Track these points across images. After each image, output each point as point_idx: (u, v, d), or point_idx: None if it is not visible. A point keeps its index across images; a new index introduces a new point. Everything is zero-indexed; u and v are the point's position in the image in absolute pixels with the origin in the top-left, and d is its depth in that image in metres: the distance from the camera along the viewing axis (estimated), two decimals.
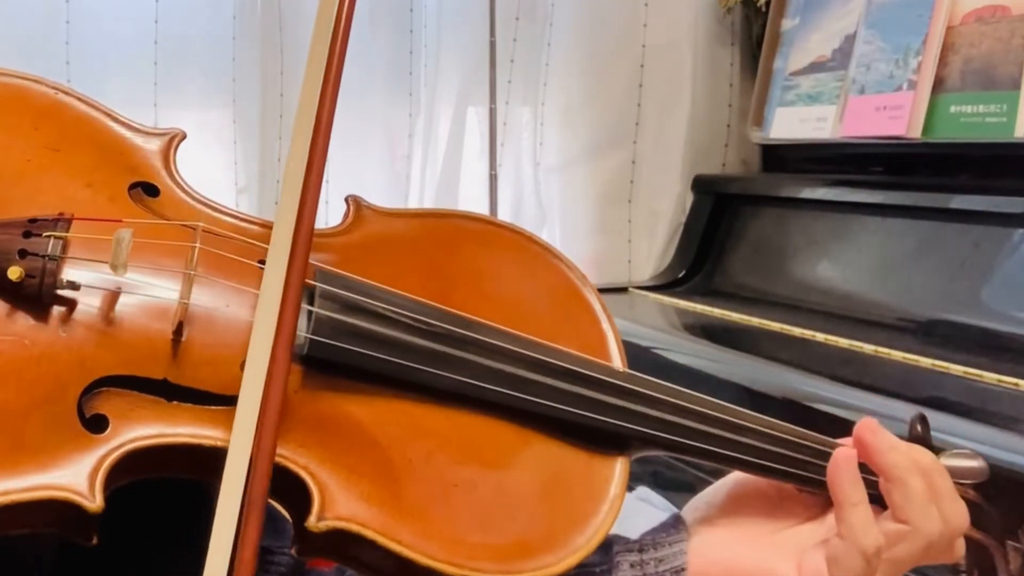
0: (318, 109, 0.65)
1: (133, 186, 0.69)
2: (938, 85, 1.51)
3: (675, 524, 0.71)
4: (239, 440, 0.56)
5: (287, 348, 0.59)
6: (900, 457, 0.69)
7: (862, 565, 0.66)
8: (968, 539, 0.72)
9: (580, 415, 0.67)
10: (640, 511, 1.45)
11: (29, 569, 0.68)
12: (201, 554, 0.54)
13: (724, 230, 1.97)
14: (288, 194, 0.63)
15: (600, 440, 0.68)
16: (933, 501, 0.68)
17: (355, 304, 0.65)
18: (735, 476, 0.75)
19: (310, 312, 0.64)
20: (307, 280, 0.65)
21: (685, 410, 0.70)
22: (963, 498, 0.71)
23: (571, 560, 0.63)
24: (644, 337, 1.64)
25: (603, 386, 0.69)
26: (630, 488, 0.68)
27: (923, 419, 0.74)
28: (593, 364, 0.70)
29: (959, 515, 0.70)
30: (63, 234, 0.61)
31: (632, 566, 0.69)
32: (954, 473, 0.71)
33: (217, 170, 1.91)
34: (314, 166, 0.64)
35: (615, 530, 0.68)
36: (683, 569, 0.68)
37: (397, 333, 0.65)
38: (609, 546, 0.71)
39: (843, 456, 0.69)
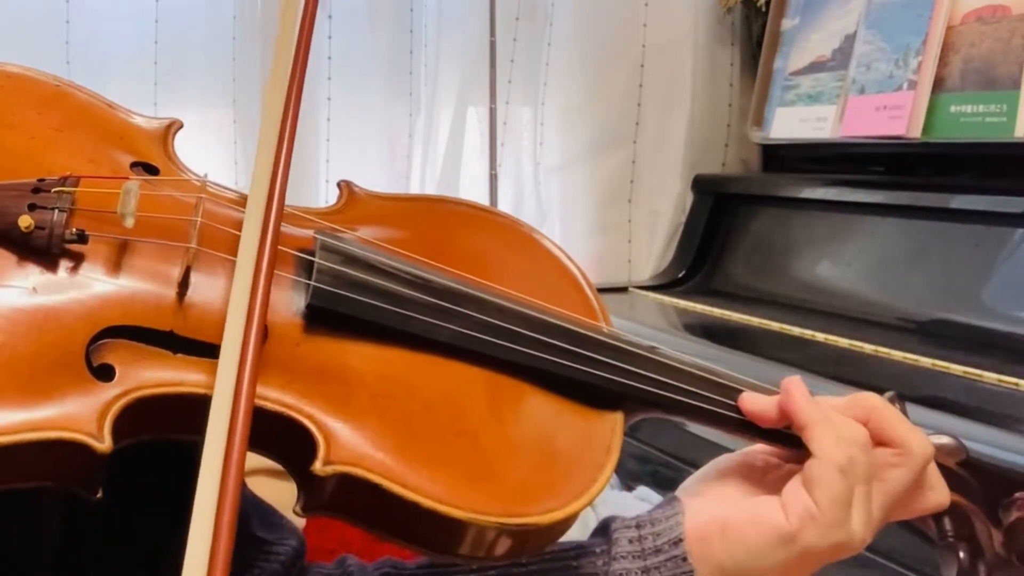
0: (290, 76, 0.67)
1: (134, 165, 0.70)
2: (938, 85, 1.51)
3: (670, 502, 0.73)
4: (222, 387, 0.57)
5: (266, 289, 0.60)
6: (866, 397, 0.73)
7: (839, 479, 0.67)
8: (954, 504, 0.74)
9: (572, 368, 0.69)
10: (640, 511, 1.45)
11: (31, 551, 0.68)
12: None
13: (724, 230, 1.98)
14: (264, 145, 0.65)
15: (594, 396, 0.70)
16: (910, 426, 0.71)
17: (355, 256, 0.67)
18: (723, 457, 0.76)
19: (312, 263, 0.65)
20: (308, 238, 0.67)
21: (669, 367, 0.72)
22: (948, 471, 0.74)
23: (574, 506, 0.64)
24: (644, 337, 1.63)
25: (592, 342, 0.70)
26: (630, 488, 0.68)
27: (899, 397, 0.77)
28: (582, 322, 0.72)
29: (926, 437, 0.72)
30: (72, 189, 0.62)
31: (630, 541, 0.70)
32: (938, 451, 0.74)
33: (217, 170, 1.91)
34: (288, 118, 0.66)
35: None
36: (680, 540, 0.69)
37: (397, 286, 0.67)
38: (607, 527, 0.72)
39: (792, 381, 0.71)
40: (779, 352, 1.48)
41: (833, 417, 0.70)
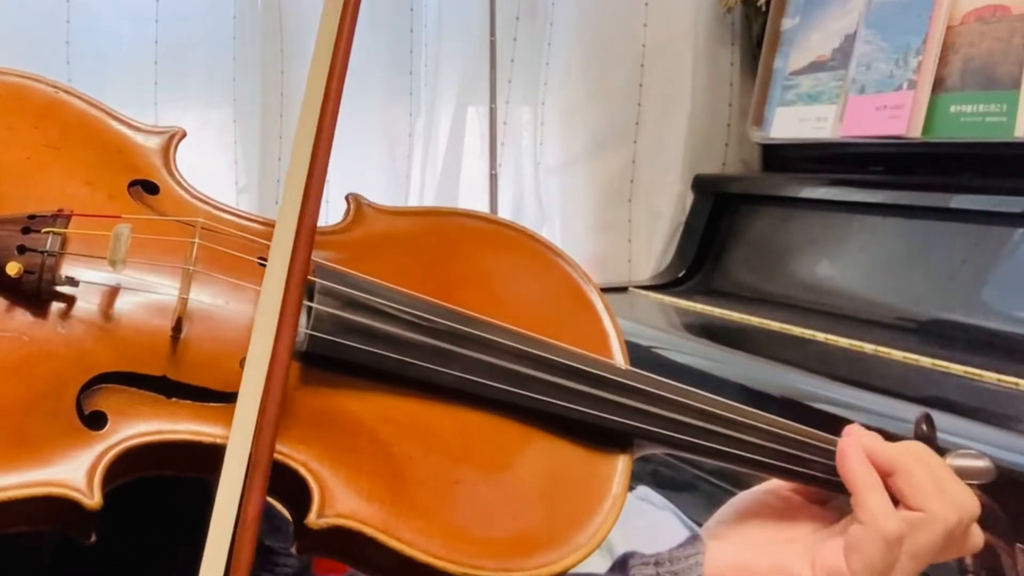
0: (321, 108, 0.65)
1: (132, 184, 0.69)
2: (938, 85, 1.51)
3: (691, 542, 0.71)
4: (238, 437, 0.56)
5: (288, 347, 0.59)
6: (896, 448, 0.69)
7: (883, 551, 0.65)
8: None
9: (581, 412, 0.67)
10: (640, 511, 1.45)
11: (29, 565, 0.67)
12: (200, 552, 0.54)
13: (724, 230, 1.97)
14: (291, 192, 0.63)
15: (602, 437, 0.68)
16: (938, 484, 0.68)
17: (355, 300, 0.65)
18: (742, 495, 0.74)
19: (309, 308, 0.64)
20: (308, 276, 0.64)
21: (688, 407, 0.69)
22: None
23: (573, 558, 0.63)
24: (644, 337, 1.64)
25: (605, 383, 0.68)
26: (630, 487, 0.67)
27: (928, 419, 0.74)
28: (595, 361, 0.70)
29: (968, 496, 0.69)
30: (62, 230, 0.61)
31: None
32: (961, 473, 0.71)
33: (218, 170, 1.91)
34: (317, 164, 0.64)
35: (617, 531, 0.68)
36: None
37: (397, 329, 0.65)
38: (625, 562, 0.71)
39: (849, 442, 0.69)
40: (779, 352, 1.48)
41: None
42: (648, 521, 1.41)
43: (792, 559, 0.67)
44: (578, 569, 0.65)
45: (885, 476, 0.68)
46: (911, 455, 0.69)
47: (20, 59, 0.73)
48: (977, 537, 0.70)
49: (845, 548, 0.66)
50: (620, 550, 0.74)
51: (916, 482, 0.67)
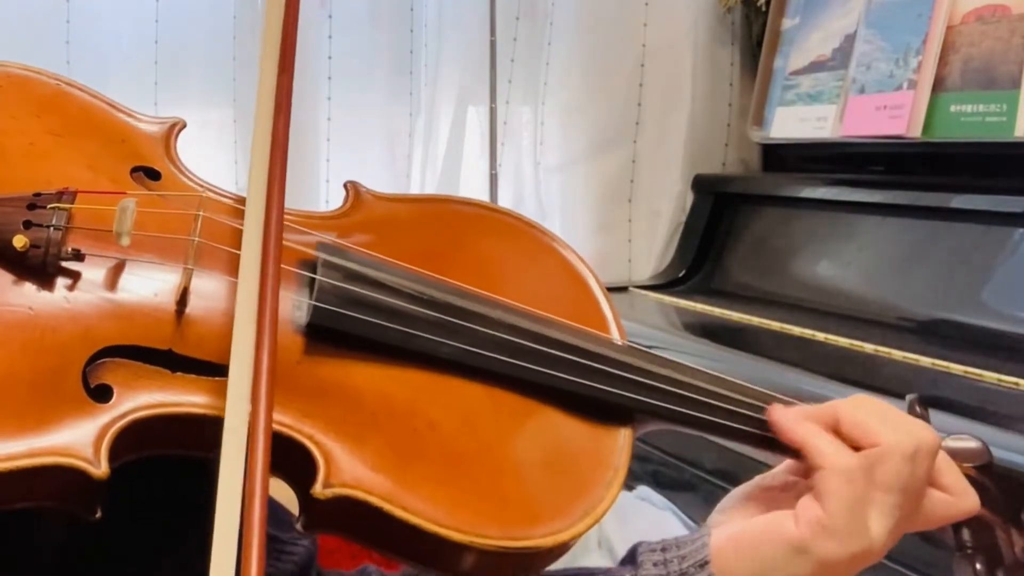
0: (277, 83, 0.66)
1: (135, 170, 0.69)
2: (938, 85, 1.51)
3: (698, 528, 0.72)
4: (234, 410, 0.56)
5: (273, 313, 0.59)
6: (832, 403, 0.71)
7: (848, 486, 0.67)
8: (973, 517, 0.73)
9: (581, 384, 0.68)
10: (640, 510, 1.45)
11: (30, 560, 0.68)
12: (208, 533, 0.53)
13: (724, 229, 1.97)
14: (258, 161, 0.64)
15: (603, 412, 0.69)
16: (882, 417, 0.70)
17: (357, 273, 0.66)
18: (742, 485, 0.76)
19: (313, 280, 0.64)
20: (310, 252, 0.66)
21: (684, 382, 0.71)
22: (968, 478, 0.72)
23: (576, 529, 0.64)
24: (644, 336, 1.64)
25: (602, 357, 0.69)
26: (630, 487, 0.68)
27: (921, 400, 0.75)
28: (593, 335, 0.71)
29: (920, 426, 0.70)
30: (68, 206, 0.61)
31: (655, 564, 0.69)
32: (957, 455, 0.72)
33: (218, 170, 1.91)
34: (279, 131, 0.65)
35: (617, 530, 0.68)
36: (707, 562, 0.69)
37: (399, 301, 0.66)
38: (634, 552, 0.71)
39: (771, 409, 0.71)
40: (779, 352, 1.48)
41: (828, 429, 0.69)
42: (648, 521, 1.42)
43: (777, 519, 0.69)
44: (582, 564, 0.65)
45: (833, 429, 0.70)
46: (850, 402, 0.71)
47: (20, 59, 0.73)
48: (969, 499, 0.71)
49: (815, 495, 0.68)
50: (620, 550, 0.74)
51: (860, 420, 0.69)
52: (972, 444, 0.74)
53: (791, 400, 0.73)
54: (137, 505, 0.65)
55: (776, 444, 0.71)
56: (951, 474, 0.71)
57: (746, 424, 0.71)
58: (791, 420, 0.70)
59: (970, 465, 0.73)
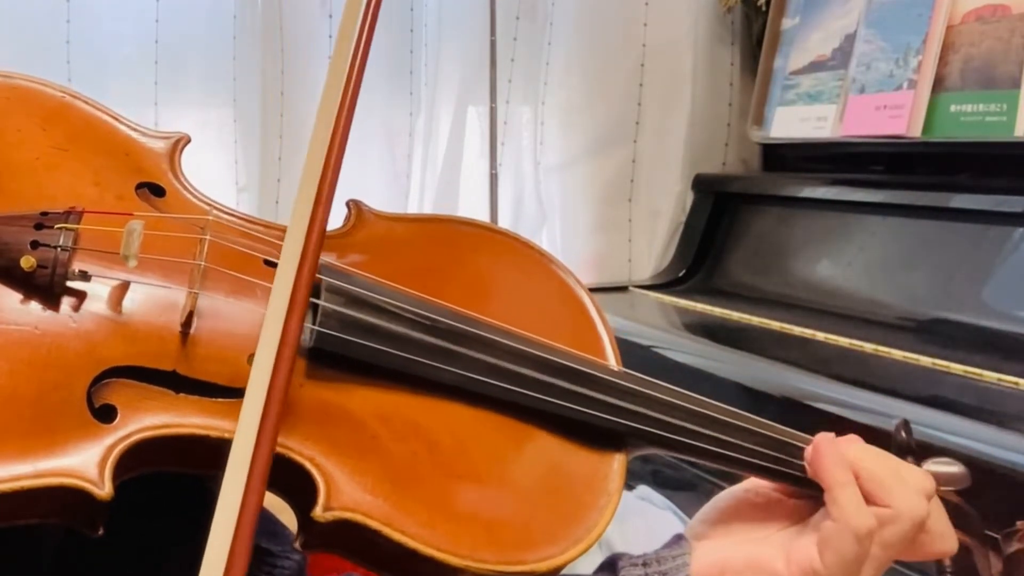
0: (337, 113, 0.65)
1: (140, 186, 0.70)
2: (938, 84, 1.51)
3: (677, 541, 0.72)
4: (244, 432, 0.57)
5: (294, 345, 0.60)
6: (856, 451, 0.70)
7: (854, 546, 0.66)
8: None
9: (577, 411, 0.68)
10: (640, 511, 1.45)
11: (30, 560, 0.68)
12: (200, 547, 0.54)
13: (724, 229, 1.98)
14: (304, 192, 0.64)
15: (598, 437, 0.69)
16: (898, 477, 0.69)
17: (360, 298, 0.66)
18: (722, 494, 0.76)
19: (316, 305, 0.65)
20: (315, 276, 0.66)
21: (679, 408, 0.71)
22: (946, 501, 0.73)
23: (571, 553, 0.64)
24: (644, 336, 1.64)
25: (599, 383, 0.70)
26: (631, 487, 0.68)
27: (906, 425, 0.75)
28: (590, 362, 0.71)
29: (923, 476, 0.70)
30: (74, 226, 0.62)
31: None
32: (939, 479, 0.73)
33: (218, 169, 1.91)
34: (331, 166, 0.64)
35: (615, 530, 0.68)
36: None
37: (400, 327, 0.66)
38: (614, 563, 0.72)
39: (822, 439, 0.70)
40: (779, 351, 1.48)
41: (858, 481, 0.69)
42: (648, 521, 1.42)
43: (768, 555, 0.69)
44: (572, 566, 0.66)
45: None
46: (872, 455, 0.71)
47: (20, 59, 0.73)
48: (949, 540, 0.72)
49: (818, 543, 0.68)
50: (620, 549, 0.74)
51: (880, 479, 0.69)
52: (954, 469, 0.74)
53: (786, 429, 0.72)
54: (137, 506, 0.65)
55: (768, 471, 0.72)
56: (938, 519, 0.71)
57: (740, 453, 0.71)
58: (829, 457, 0.69)
59: (951, 489, 0.74)
